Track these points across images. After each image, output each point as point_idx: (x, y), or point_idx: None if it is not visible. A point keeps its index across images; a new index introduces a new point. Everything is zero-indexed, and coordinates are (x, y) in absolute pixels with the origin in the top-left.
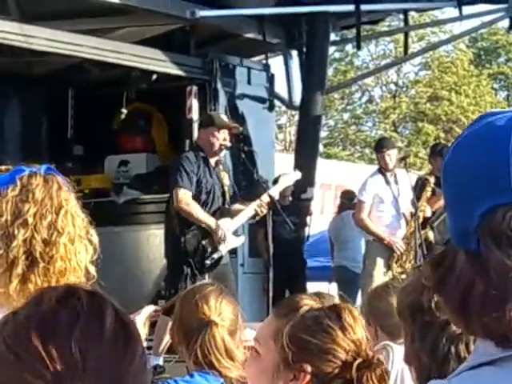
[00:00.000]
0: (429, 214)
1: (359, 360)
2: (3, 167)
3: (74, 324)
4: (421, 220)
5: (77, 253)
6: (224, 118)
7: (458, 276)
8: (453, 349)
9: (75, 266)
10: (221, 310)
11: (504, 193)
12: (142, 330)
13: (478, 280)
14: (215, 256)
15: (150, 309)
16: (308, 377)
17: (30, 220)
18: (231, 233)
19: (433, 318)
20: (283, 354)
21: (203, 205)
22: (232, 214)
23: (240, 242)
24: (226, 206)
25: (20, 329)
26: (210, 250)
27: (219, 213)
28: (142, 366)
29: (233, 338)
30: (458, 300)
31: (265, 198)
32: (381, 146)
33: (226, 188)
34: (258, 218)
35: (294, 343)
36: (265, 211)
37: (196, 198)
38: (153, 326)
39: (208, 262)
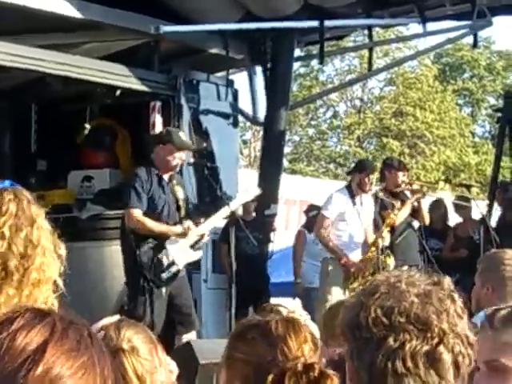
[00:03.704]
0: (386, 243)
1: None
2: None
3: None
4: (380, 246)
5: (47, 265)
6: (183, 136)
7: None
8: (389, 365)
9: (47, 278)
10: (126, 337)
11: None
12: None
13: None
14: (172, 269)
15: (109, 320)
16: None
17: (7, 233)
18: (189, 247)
19: (370, 335)
20: None
21: (158, 221)
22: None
23: (198, 256)
24: (183, 221)
25: None
26: (166, 263)
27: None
28: None
29: (148, 362)
30: None
31: (223, 212)
32: (365, 167)
33: (180, 203)
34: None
35: None
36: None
37: (151, 215)
38: None
39: (165, 275)
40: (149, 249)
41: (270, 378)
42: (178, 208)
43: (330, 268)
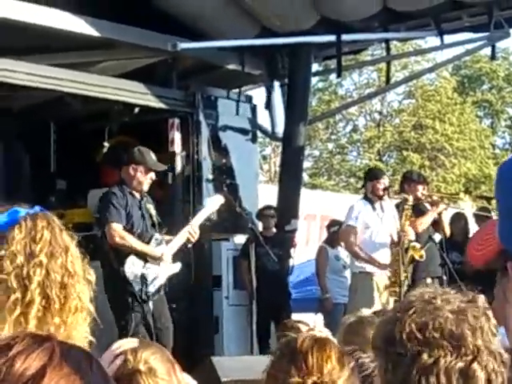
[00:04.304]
0: (412, 237)
1: None
2: None
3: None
4: (406, 244)
5: (81, 293)
6: (153, 156)
7: None
8: (423, 381)
9: (82, 305)
10: (143, 358)
11: None
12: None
13: None
14: (156, 283)
15: (126, 342)
16: None
17: (45, 260)
18: (168, 260)
19: (404, 350)
20: None
21: (138, 237)
22: (165, 242)
23: (177, 268)
24: (158, 235)
25: None
26: (151, 277)
27: (153, 241)
28: None
29: (166, 382)
30: None
31: (195, 223)
32: (375, 174)
33: (154, 218)
34: (190, 245)
35: None
36: (196, 237)
37: (129, 231)
38: None
39: (151, 289)
40: (132, 264)
41: None
42: (153, 224)
43: (360, 284)
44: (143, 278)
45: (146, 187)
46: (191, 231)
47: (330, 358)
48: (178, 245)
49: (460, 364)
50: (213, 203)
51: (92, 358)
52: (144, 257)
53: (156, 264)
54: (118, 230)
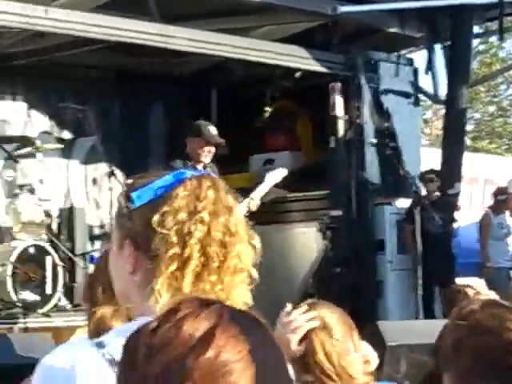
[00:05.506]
0: None
1: None
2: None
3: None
4: None
5: (244, 254)
6: (212, 130)
7: None
8: None
9: (242, 266)
10: (320, 314)
11: None
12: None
13: None
14: None
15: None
16: None
17: (207, 218)
18: None
19: None
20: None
21: None
22: None
23: None
24: None
25: None
26: None
27: None
28: None
29: (339, 343)
30: None
31: (256, 196)
32: None
33: None
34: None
35: None
36: (255, 208)
37: None
38: None
39: None
40: None
41: None
42: None
43: None
44: None
45: (205, 159)
46: (252, 204)
47: None
48: None
49: None
50: (274, 176)
51: (258, 321)
52: None
53: None
54: None
